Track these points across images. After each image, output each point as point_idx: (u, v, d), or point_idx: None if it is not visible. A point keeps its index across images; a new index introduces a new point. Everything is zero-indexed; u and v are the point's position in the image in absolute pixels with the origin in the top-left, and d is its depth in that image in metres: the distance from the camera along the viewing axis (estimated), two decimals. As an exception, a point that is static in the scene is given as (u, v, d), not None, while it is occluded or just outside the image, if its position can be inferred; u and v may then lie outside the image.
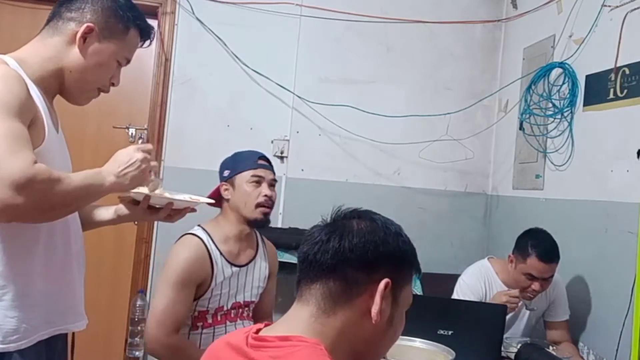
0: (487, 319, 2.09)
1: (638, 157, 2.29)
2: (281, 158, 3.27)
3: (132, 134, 3.20)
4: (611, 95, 2.51)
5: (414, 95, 3.44)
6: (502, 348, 2.12)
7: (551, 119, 2.90)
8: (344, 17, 3.31)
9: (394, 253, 0.99)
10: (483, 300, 2.46)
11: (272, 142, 3.27)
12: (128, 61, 1.46)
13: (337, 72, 3.36)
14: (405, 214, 3.16)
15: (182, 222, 1.61)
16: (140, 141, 3.41)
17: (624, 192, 2.38)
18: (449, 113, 3.41)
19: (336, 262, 0.96)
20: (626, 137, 2.40)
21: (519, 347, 2.16)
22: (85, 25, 1.35)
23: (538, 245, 2.34)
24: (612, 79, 2.50)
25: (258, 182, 2.01)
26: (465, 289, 2.51)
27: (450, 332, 1.92)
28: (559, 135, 2.86)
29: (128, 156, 1.32)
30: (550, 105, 2.91)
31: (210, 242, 1.99)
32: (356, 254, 0.96)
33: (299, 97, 3.28)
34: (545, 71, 2.96)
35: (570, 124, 2.79)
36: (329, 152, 3.33)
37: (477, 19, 3.52)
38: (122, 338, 3.18)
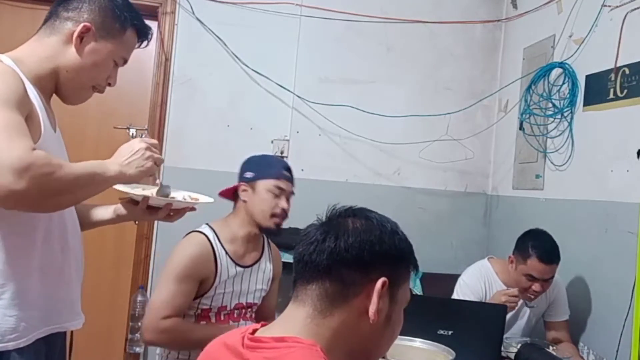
0: (487, 319, 2.09)
1: (638, 157, 2.29)
2: (281, 158, 3.27)
3: (132, 134, 3.20)
4: (611, 95, 2.51)
5: (414, 95, 3.44)
6: (502, 348, 2.12)
7: (551, 119, 2.90)
8: (344, 17, 3.31)
9: (390, 251, 0.98)
10: (483, 301, 2.46)
11: (272, 142, 3.27)
12: (125, 61, 1.46)
13: (337, 72, 3.36)
14: (405, 214, 3.16)
15: (183, 220, 1.60)
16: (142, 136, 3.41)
17: (624, 192, 2.38)
18: (449, 113, 3.41)
19: (332, 263, 0.95)
20: (626, 137, 2.40)
21: (519, 347, 2.16)
22: (82, 24, 1.35)
23: (538, 246, 2.34)
24: (612, 79, 2.50)
25: (278, 193, 2.02)
26: (465, 289, 2.51)
27: (450, 332, 1.92)
28: (559, 135, 2.86)
29: (130, 147, 1.33)
30: (550, 105, 2.91)
31: (216, 240, 1.99)
32: (352, 254, 0.95)
33: (299, 97, 3.28)
34: (545, 71, 2.96)
35: (570, 124, 2.79)
36: (329, 152, 3.33)
37: (477, 19, 3.52)
38: (122, 335, 3.18)
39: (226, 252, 2.00)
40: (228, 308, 2.02)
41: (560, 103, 2.86)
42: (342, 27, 3.33)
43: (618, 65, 2.47)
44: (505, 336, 2.20)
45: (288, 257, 2.79)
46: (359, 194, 3.25)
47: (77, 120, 3.00)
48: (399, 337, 1.05)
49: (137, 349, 3.11)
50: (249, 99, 3.26)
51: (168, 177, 3.07)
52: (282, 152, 3.26)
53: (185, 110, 3.21)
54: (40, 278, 1.28)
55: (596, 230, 2.53)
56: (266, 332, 0.98)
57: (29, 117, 1.22)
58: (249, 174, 2.05)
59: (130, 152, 1.31)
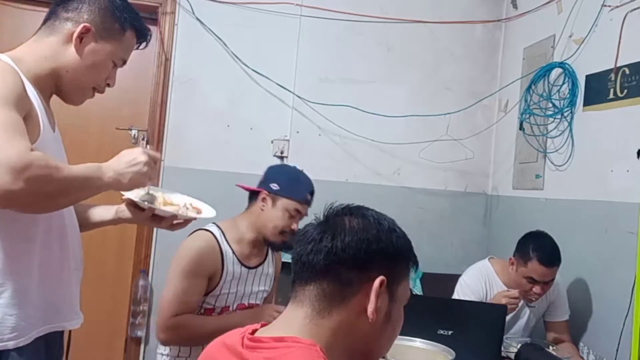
0: (487, 319, 2.09)
1: (638, 157, 2.29)
2: (281, 158, 3.27)
3: (134, 135, 3.20)
4: (611, 95, 2.51)
5: (414, 95, 3.44)
6: (502, 348, 2.12)
7: (551, 119, 2.90)
8: (344, 17, 3.31)
9: (387, 249, 0.97)
10: (483, 301, 2.46)
11: (272, 142, 3.27)
12: (124, 62, 1.46)
13: (337, 72, 3.36)
14: (405, 214, 3.15)
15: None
16: (146, 144, 3.42)
17: (624, 192, 2.38)
18: (449, 113, 3.41)
19: (329, 263, 0.95)
20: (626, 137, 2.40)
21: (519, 347, 2.17)
22: (82, 25, 1.35)
23: (539, 248, 2.34)
24: (612, 79, 2.50)
25: (295, 215, 2.02)
26: (465, 289, 2.51)
27: (450, 332, 1.92)
28: (559, 135, 2.86)
29: (132, 156, 1.32)
30: (550, 105, 2.91)
31: (223, 238, 2.00)
32: (349, 254, 0.95)
33: (299, 97, 3.28)
34: (545, 71, 2.96)
35: (570, 124, 2.79)
36: (329, 152, 3.33)
37: (477, 19, 3.52)
38: (124, 320, 3.17)
39: (232, 252, 2.01)
40: (231, 309, 2.03)
41: (560, 103, 2.86)
42: (342, 27, 3.33)
43: (618, 65, 2.47)
44: (505, 336, 2.20)
45: (287, 257, 2.78)
46: (359, 194, 3.25)
47: (77, 120, 3.00)
48: (399, 337, 1.05)
49: (139, 333, 3.12)
50: (249, 99, 3.26)
51: (168, 177, 3.12)
52: (282, 152, 3.26)
53: (185, 110, 3.21)
54: (40, 277, 1.29)
55: (596, 231, 2.52)
56: (266, 332, 0.98)
57: (28, 116, 1.22)
58: (275, 186, 2.03)
59: (129, 162, 1.31)
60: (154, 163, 1.36)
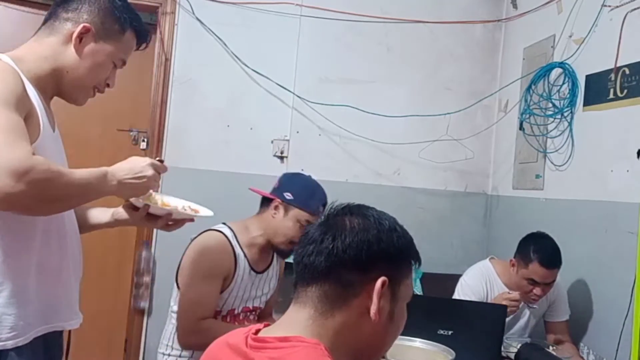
0: (487, 319, 2.09)
1: (638, 157, 2.29)
2: (281, 158, 3.27)
3: (134, 137, 3.21)
4: (611, 95, 2.51)
5: (414, 95, 3.44)
6: (502, 348, 2.12)
7: (551, 119, 2.90)
8: (344, 17, 3.30)
9: (388, 250, 0.97)
10: (484, 301, 2.46)
11: (272, 142, 3.27)
12: (124, 63, 1.46)
13: (337, 72, 3.36)
14: (405, 214, 3.11)
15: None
16: (144, 144, 3.43)
17: (624, 192, 2.38)
18: (449, 113, 3.41)
19: (330, 265, 0.95)
20: (626, 137, 2.40)
21: (519, 347, 2.16)
22: (81, 25, 1.35)
23: (540, 250, 2.34)
24: (612, 79, 2.50)
25: (305, 225, 2.00)
26: (466, 289, 2.51)
27: (450, 332, 1.92)
28: (559, 135, 2.86)
29: (140, 168, 1.33)
30: (550, 105, 2.91)
31: (235, 241, 2.00)
32: (350, 255, 0.95)
33: (299, 97, 3.28)
34: (545, 71, 2.96)
35: (570, 124, 2.79)
36: (329, 152, 3.33)
37: (477, 19, 3.52)
38: (127, 291, 3.17)
39: (244, 255, 2.01)
40: (236, 312, 2.03)
41: (560, 103, 2.85)
42: (342, 27, 3.33)
43: (618, 65, 2.47)
44: (505, 336, 2.20)
45: (289, 258, 2.79)
46: (359, 194, 3.24)
47: (77, 120, 2.99)
48: (399, 337, 1.05)
49: (142, 304, 3.13)
50: (249, 99, 3.26)
51: (168, 177, 3.08)
52: (282, 152, 3.26)
53: (185, 110, 3.21)
54: (38, 277, 1.29)
55: (596, 230, 2.52)
56: (269, 332, 0.98)
57: (28, 116, 1.22)
58: (288, 195, 2.01)
59: (135, 174, 1.32)
60: (159, 176, 1.37)
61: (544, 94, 2.96)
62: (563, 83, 2.85)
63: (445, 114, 3.40)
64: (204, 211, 1.63)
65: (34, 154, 1.12)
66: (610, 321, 2.34)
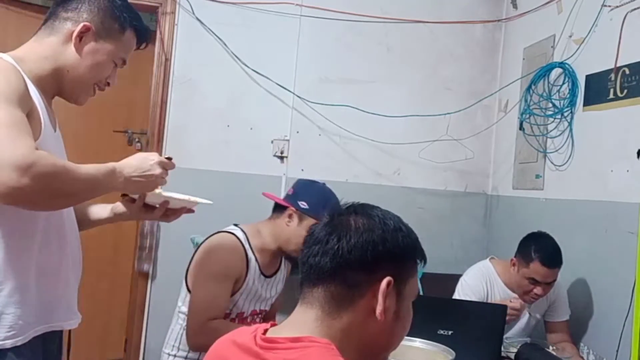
0: (487, 319, 2.09)
1: (638, 157, 2.29)
2: (281, 158, 3.27)
3: (129, 137, 3.22)
4: (611, 95, 2.51)
5: (414, 95, 3.44)
6: (502, 348, 2.12)
7: (551, 119, 2.90)
8: (344, 17, 3.30)
9: (393, 250, 0.97)
10: (484, 301, 2.46)
11: (272, 142, 3.27)
12: (124, 62, 1.46)
13: (337, 72, 3.36)
14: (405, 214, 3.10)
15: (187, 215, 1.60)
16: (138, 145, 3.44)
17: (624, 192, 2.38)
18: (449, 113, 3.41)
19: (336, 266, 0.95)
20: (626, 137, 2.40)
21: (519, 347, 2.16)
22: (81, 24, 1.35)
23: (541, 250, 2.34)
24: (612, 79, 2.50)
25: None
26: (467, 289, 2.51)
27: (450, 332, 1.92)
28: (559, 135, 2.86)
29: (148, 166, 1.34)
30: (550, 105, 2.91)
31: (248, 245, 1.99)
32: (355, 255, 0.95)
33: (299, 97, 3.28)
34: (545, 71, 2.96)
35: (570, 124, 2.79)
36: (329, 152, 3.33)
37: (477, 19, 3.52)
38: (130, 254, 3.16)
39: (256, 259, 2.00)
40: (245, 314, 2.03)
41: (560, 103, 2.85)
42: (342, 27, 3.33)
43: (618, 65, 2.47)
44: (505, 336, 2.20)
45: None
46: (359, 194, 3.20)
47: (77, 121, 3.00)
48: (399, 337, 1.05)
49: (146, 267, 3.13)
50: (249, 99, 3.26)
51: (168, 177, 3.10)
52: (282, 152, 3.26)
53: (185, 110, 3.21)
54: (38, 277, 1.28)
55: (596, 231, 2.52)
56: (278, 332, 0.98)
57: (30, 115, 1.22)
58: (303, 204, 2.00)
59: (143, 171, 1.33)
60: (167, 173, 1.37)
61: (544, 94, 2.96)
62: (563, 83, 2.85)
63: (445, 114, 3.40)
64: (203, 200, 1.63)
65: (37, 148, 1.12)
66: (610, 321, 2.34)
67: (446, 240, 3.44)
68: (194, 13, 3.19)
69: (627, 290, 2.17)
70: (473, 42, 3.53)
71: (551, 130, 2.91)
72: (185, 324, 1.95)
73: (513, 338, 2.42)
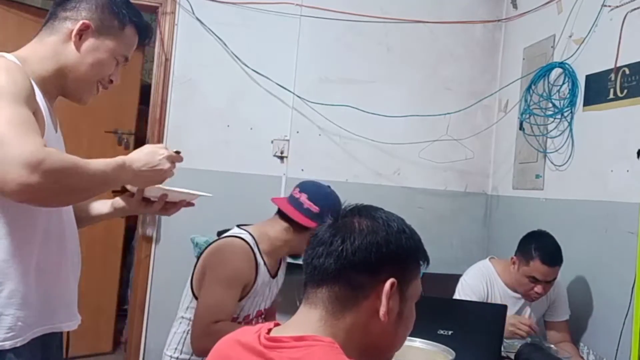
0: (487, 319, 2.09)
1: (638, 157, 2.29)
2: (281, 158, 3.27)
3: (119, 137, 3.23)
4: (611, 95, 2.51)
5: (414, 95, 3.44)
6: (502, 348, 2.11)
7: (551, 119, 2.90)
8: (344, 17, 3.31)
9: (397, 252, 0.98)
10: (484, 301, 2.46)
11: (272, 142, 3.27)
12: (126, 59, 1.45)
13: (337, 72, 3.36)
14: (405, 214, 3.10)
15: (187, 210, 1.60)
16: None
17: (624, 192, 2.38)
18: (449, 113, 3.41)
19: (339, 267, 0.96)
20: (626, 137, 2.40)
21: (519, 347, 2.16)
22: (80, 22, 1.35)
23: (542, 248, 2.34)
24: (612, 79, 2.50)
25: None
26: (467, 289, 2.51)
27: (450, 332, 1.92)
28: (559, 135, 2.86)
29: (157, 160, 1.34)
30: (550, 105, 2.91)
31: (257, 249, 1.99)
32: (359, 257, 0.96)
33: (299, 97, 3.28)
34: (545, 71, 2.96)
35: (570, 124, 2.79)
36: (329, 152, 3.33)
37: (477, 19, 3.52)
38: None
39: (264, 263, 2.01)
40: (251, 317, 2.03)
41: (560, 103, 2.85)
42: (342, 27, 3.33)
43: (618, 65, 2.47)
44: (505, 336, 2.19)
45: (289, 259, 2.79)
46: (359, 194, 3.21)
47: (76, 120, 3.00)
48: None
49: (149, 231, 3.14)
50: (249, 99, 3.26)
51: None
52: (282, 152, 3.26)
53: (185, 110, 3.21)
54: (38, 278, 1.28)
55: (596, 230, 2.52)
56: (282, 332, 0.98)
57: (34, 115, 1.22)
58: (315, 209, 1.99)
59: (152, 165, 1.33)
60: (174, 166, 1.38)
61: (544, 94, 2.96)
62: (563, 83, 2.85)
63: (445, 114, 3.40)
64: (202, 193, 1.62)
65: (45, 145, 1.12)
66: (610, 321, 2.34)
67: (446, 240, 3.44)
68: (194, 13, 3.19)
69: (627, 290, 2.17)
70: (473, 42, 3.54)
71: (551, 130, 2.91)
72: (189, 328, 1.94)
73: (513, 338, 2.41)
